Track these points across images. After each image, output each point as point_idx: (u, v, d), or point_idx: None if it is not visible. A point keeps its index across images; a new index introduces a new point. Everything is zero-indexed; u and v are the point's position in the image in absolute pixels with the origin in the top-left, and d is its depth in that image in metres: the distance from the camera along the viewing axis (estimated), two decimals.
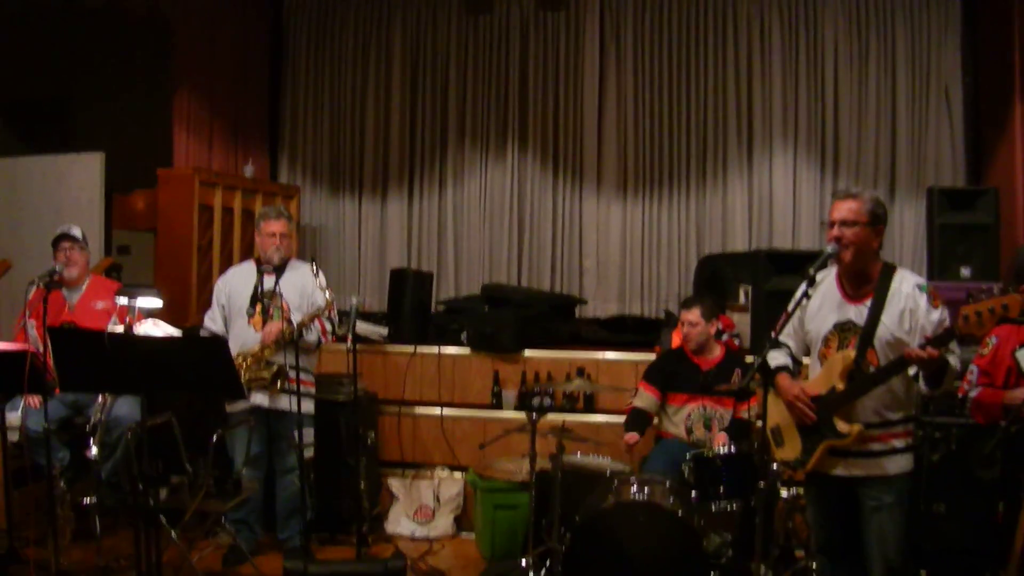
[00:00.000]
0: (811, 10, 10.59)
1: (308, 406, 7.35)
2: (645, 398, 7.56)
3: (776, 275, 8.32)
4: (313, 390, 7.63)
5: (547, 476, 6.85)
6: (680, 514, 6.11)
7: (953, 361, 5.02)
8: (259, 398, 7.23)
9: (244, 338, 7.33)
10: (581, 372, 8.83)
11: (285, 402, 7.21)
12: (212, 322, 7.58)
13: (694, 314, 7.52)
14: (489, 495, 7.97)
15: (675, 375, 7.55)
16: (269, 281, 7.44)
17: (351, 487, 7.85)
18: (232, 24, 10.88)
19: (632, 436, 7.35)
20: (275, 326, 7.21)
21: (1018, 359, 6.08)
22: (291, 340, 7.04)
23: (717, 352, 7.61)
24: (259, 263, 7.57)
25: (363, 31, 11.71)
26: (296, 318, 7.18)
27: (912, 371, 5.07)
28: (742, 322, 8.85)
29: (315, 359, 7.83)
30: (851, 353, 5.15)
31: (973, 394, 6.18)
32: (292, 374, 7.00)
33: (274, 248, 7.47)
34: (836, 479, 5.27)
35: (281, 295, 7.34)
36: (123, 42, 11.30)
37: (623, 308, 10.88)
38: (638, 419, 7.52)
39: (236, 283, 7.60)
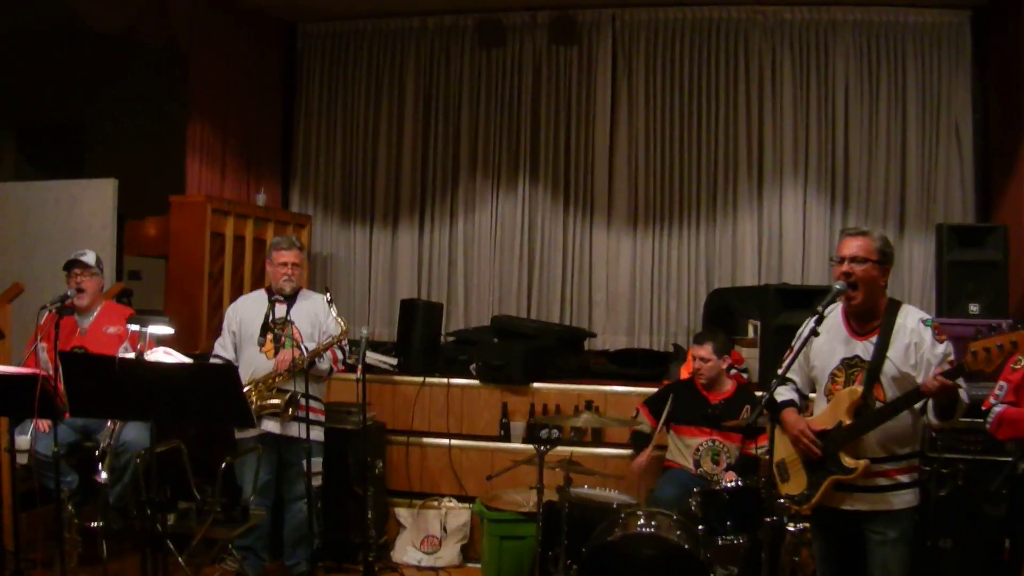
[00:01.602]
0: (822, 46, 10.61)
1: (318, 434, 7.38)
2: (643, 423, 7.67)
3: (785, 310, 8.33)
4: (323, 418, 7.65)
5: (554, 508, 6.88)
6: (687, 547, 6.12)
7: (963, 395, 5.03)
8: (270, 425, 7.25)
9: (255, 366, 7.36)
10: (589, 405, 8.82)
11: (295, 429, 7.23)
12: (223, 349, 7.61)
13: (706, 350, 7.55)
14: (496, 526, 7.95)
15: (685, 407, 7.58)
16: (280, 310, 7.48)
17: (359, 516, 7.86)
18: (247, 54, 10.92)
19: (640, 460, 7.45)
20: (288, 354, 7.23)
21: None
22: (303, 368, 7.06)
23: (728, 387, 7.64)
24: (270, 292, 7.61)
25: (376, 62, 11.74)
26: (308, 347, 7.19)
27: (918, 405, 5.10)
28: (750, 356, 8.86)
29: (325, 388, 7.87)
30: (859, 388, 5.18)
31: (998, 409, 6.17)
32: (303, 402, 7.03)
33: (285, 278, 7.52)
34: (842, 513, 5.28)
35: (292, 323, 7.36)
36: (137, 70, 11.36)
37: (632, 341, 10.85)
38: (639, 441, 7.62)
39: (247, 311, 7.63)
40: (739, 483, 6.61)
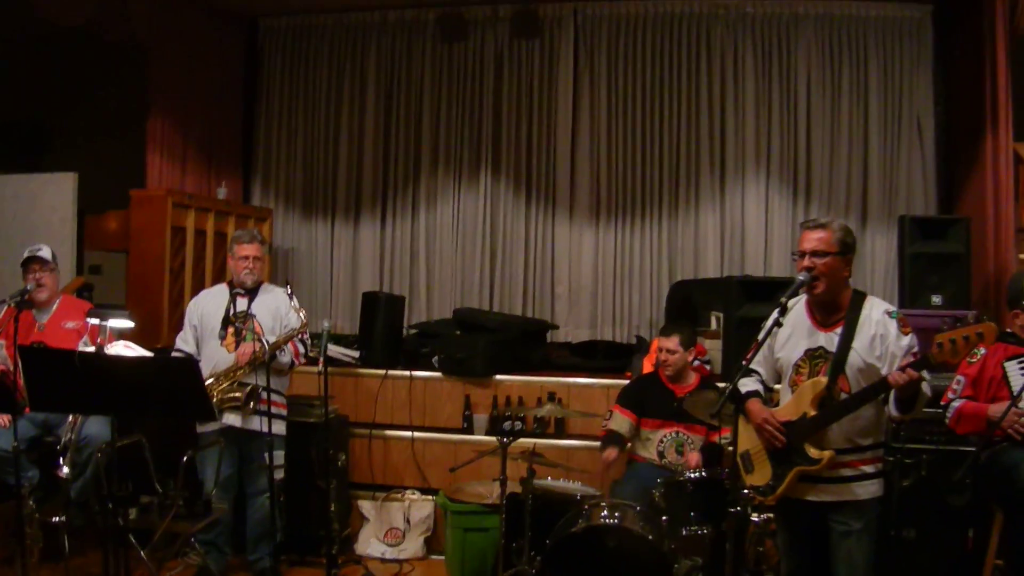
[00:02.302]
0: (784, 40, 10.63)
1: (280, 428, 7.34)
2: (620, 421, 7.59)
3: (748, 302, 8.37)
4: (285, 412, 7.62)
5: (518, 500, 6.88)
6: (651, 538, 6.13)
7: (925, 388, 5.05)
8: (231, 419, 7.22)
9: (216, 360, 7.32)
10: (552, 397, 8.85)
11: (257, 423, 7.20)
12: (184, 343, 7.56)
13: (672, 342, 7.55)
14: (460, 518, 7.95)
15: (649, 400, 7.58)
16: (242, 303, 7.45)
17: (321, 509, 7.83)
18: (207, 48, 10.87)
19: (611, 452, 7.41)
20: (249, 347, 7.19)
21: (1006, 369, 6.13)
22: (264, 361, 7.03)
23: (692, 379, 7.65)
24: (231, 286, 7.58)
25: (338, 56, 11.71)
26: (269, 340, 7.15)
27: (881, 396, 5.11)
28: (713, 348, 8.89)
29: (287, 381, 7.82)
30: (823, 380, 5.19)
31: (956, 404, 6.23)
32: (264, 395, 6.99)
33: (247, 271, 7.49)
34: (806, 504, 5.29)
35: (254, 317, 7.31)
36: (98, 65, 11.28)
37: (595, 334, 10.86)
38: (614, 439, 7.55)
39: (208, 305, 7.61)
40: (703, 474, 6.63)
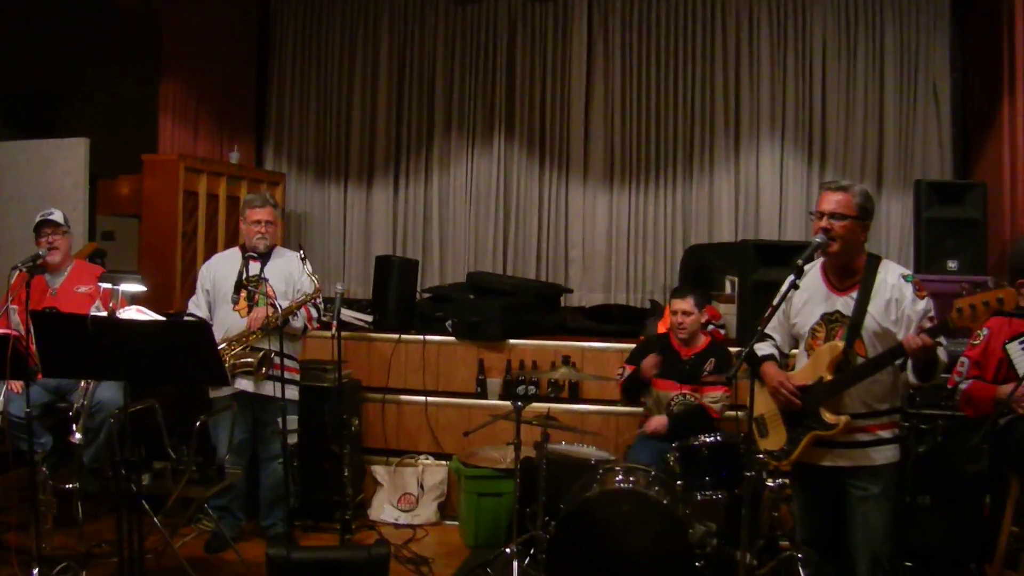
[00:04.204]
0: (800, 3, 10.57)
1: (292, 392, 7.32)
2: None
3: (762, 266, 8.32)
4: (298, 376, 7.61)
5: (532, 464, 6.87)
6: (665, 503, 6.12)
7: (941, 354, 5.02)
8: (244, 384, 7.20)
9: (228, 324, 7.30)
10: (566, 361, 8.81)
11: (269, 388, 7.20)
12: (196, 308, 7.54)
13: (688, 303, 7.52)
14: (473, 483, 7.95)
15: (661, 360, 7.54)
16: (254, 267, 7.39)
17: (335, 474, 7.84)
18: (220, 12, 10.85)
19: (657, 421, 7.37)
20: (261, 311, 7.17)
21: (1009, 352, 6.09)
22: (277, 326, 7.01)
23: (701, 341, 7.63)
24: (244, 250, 7.54)
25: (351, 19, 11.68)
26: (281, 305, 7.12)
27: (899, 361, 5.08)
28: (728, 313, 8.87)
29: (300, 346, 7.83)
30: (839, 344, 5.15)
31: (963, 386, 6.19)
32: (277, 360, 6.98)
33: (259, 236, 7.44)
34: (822, 469, 5.26)
35: (266, 281, 7.28)
36: (110, 30, 11.27)
37: (609, 298, 10.87)
38: (632, 385, 7.57)
39: (221, 269, 7.57)
40: (717, 437, 6.61)
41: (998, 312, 5.00)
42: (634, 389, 7.60)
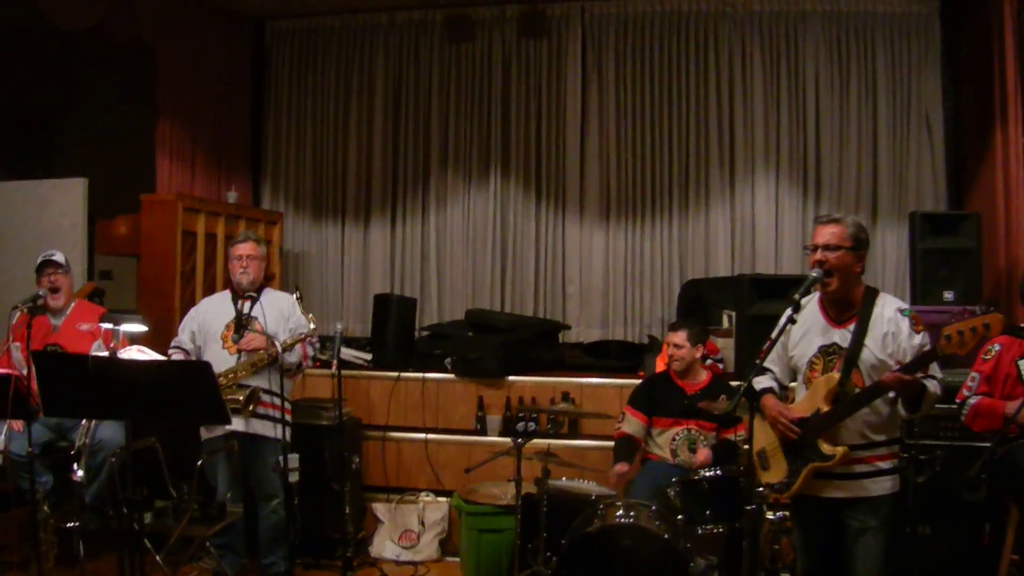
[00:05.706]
0: (792, 37, 10.62)
1: (280, 431, 7.28)
2: (632, 423, 7.60)
3: (759, 300, 8.35)
4: (288, 417, 7.57)
5: (533, 500, 6.88)
6: (666, 537, 6.14)
7: (932, 386, 5.06)
8: (235, 423, 7.17)
9: (217, 363, 7.25)
10: (565, 397, 8.85)
11: (260, 427, 7.20)
12: (176, 350, 7.53)
13: (680, 336, 7.56)
14: (474, 519, 7.95)
15: (661, 399, 7.59)
16: (246, 306, 7.41)
17: (336, 512, 7.85)
18: (215, 51, 10.88)
19: (622, 466, 7.38)
20: (257, 338, 7.19)
21: (1020, 368, 6.12)
22: (271, 359, 7.02)
23: (703, 377, 7.66)
24: (233, 291, 7.55)
25: (345, 58, 11.72)
26: (279, 340, 7.13)
27: (892, 394, 5.11)
28: (726, 347, 8.89)
29: (291, 384, 7.79)
30: (836, 375, 5.19)
31: (972, 401, 6.22)
32: (265, 398, 7.00)
33: (241, 271, 7.45)
34: (821, 502, 5.30)
35: (258, 319, 7.29)
36: (107, 69, 11.31)
37: (606, 334, 10.85)
38: (627, 447, 7.57)
39: (209, 311, 7.58)
40: (717, 472, 6.62)
41: (985, 339, 5.04)
42: (627, 447, 7.62)
